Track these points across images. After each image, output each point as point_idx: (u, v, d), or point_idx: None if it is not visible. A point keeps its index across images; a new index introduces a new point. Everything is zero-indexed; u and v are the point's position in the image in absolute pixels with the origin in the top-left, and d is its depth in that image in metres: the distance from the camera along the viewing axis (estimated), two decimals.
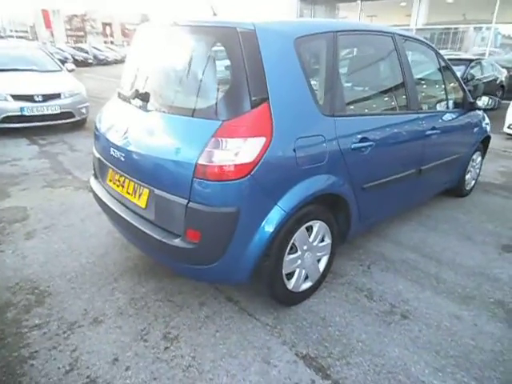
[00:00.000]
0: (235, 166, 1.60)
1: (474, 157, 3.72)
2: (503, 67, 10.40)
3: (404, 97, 2.52)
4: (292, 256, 1.95)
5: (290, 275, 2.00)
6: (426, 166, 2.81)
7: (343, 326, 1.98)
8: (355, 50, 2.46)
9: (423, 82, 3.00)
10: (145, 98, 1.99)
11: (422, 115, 2.64)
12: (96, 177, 2.44)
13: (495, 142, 5.67)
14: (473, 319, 2.07)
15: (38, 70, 6.30)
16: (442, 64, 3.11)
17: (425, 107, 2.77)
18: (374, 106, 2.39)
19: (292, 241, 1.90)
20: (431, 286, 2.38)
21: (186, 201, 1.68)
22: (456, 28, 14.12)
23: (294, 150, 1.75)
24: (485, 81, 9.11)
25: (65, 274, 2.36)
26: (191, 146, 1.69)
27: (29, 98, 5.54)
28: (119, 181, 2.08)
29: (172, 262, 1.86)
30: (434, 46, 3.03)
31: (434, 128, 2.75)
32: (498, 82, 9.85)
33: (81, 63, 22.14)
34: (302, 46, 1.84)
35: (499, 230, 3.18)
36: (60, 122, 5.91)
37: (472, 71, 8.63)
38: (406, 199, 2.91)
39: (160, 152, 1.78)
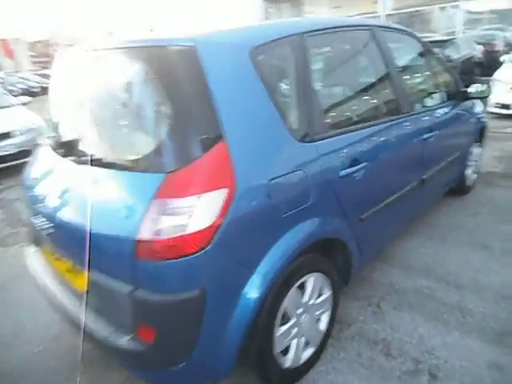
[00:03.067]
0: (189, 235, 1.16)
1: (473, 150, 3.36)
2: (478, 44, 10.20)
3: (393, 98, 2.11)
4: (284, 327, 1.51)
5: (285, 350, 1.57)
6: (428, 173, 2.41)
7: None
8: (329, 52, 2.05)
9: (411, 77, 2.61)
10: (69, 146, 1.54)
11: (415, 116, 2.24)
12: (33, 244, 1.97)
13: None
14: None
15: None
16: (428, 53, 2.73)
17: (417, 106, 2.37)
18: (361, 116, 1.97)
19: (282, 310, 1.47)
20: (457, 322, 1.97)
21: (131, 288, 1.23)
22: (422, 10, 13.95)
23: (269, 196, 1.32)
24: (462, 60, 8.86)
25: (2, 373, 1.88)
26: (128, 213, 1.24)
27: None
28: (53, 254, 1.63)
29: (125, 365, 1.41)
30: (415, 33, 2.64)
31: (430, 129, 2.35)
32: (475, 59, 9.62)
33: None
34: (261, 57, 1.41)
35: None
36: (18, 161, 5.37)
37: (448, 52, 8.36)
38: (411, 215, 2.51)
39: (91, 222, 1.33)
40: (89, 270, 1.34)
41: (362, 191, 1.78)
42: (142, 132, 1.33)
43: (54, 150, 1.62)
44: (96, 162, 1.39)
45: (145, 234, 1.17)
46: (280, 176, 1.37)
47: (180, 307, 1.20)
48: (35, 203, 1.63)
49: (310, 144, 1.52)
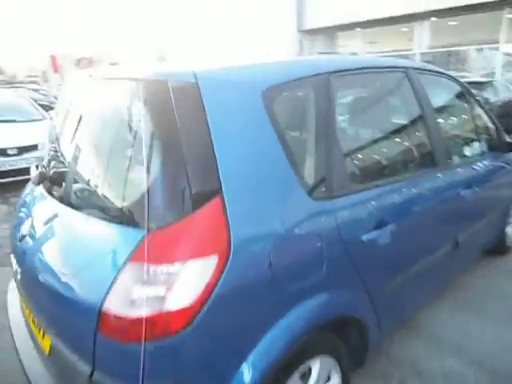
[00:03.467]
0: (166, 313, 0.93)
1: None
2: None
3: (428, 149, 1.85)
4: None
5: None
6: (464, 234, 2.10)
7: None
8: (356, 96, 1.83)
9: (448, 125, 2.35)
10: (53, 181, 1.37)
11: (453, 171, 1.97)
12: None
13: None
14: None
15: (17, 120, 5.87)
16: (468, 98, 2.47)
17: (455, 158, 2.10)
18: (389, 168, 1.73)
19: None
20: None
21: (90, 369, 1.00)
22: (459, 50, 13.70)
23: (270, 266, 1.08)
24: (500, 103, 8.46)
25: None
26: (97, 274, 1.03)
27: (1, 153, 5.05)
28: (24, 302, 1.43)
29: None
30: (454, 76, 2.40)
31: (469, 184, 2.06)
32: None
33: None
34: (276, 100, 1.21)
35: None
36: None
37: (485, 94, 8.01)
38: (442, 282, 2.19)
39: (57, 278, 1.13)
40: (51, 335, 1.13)
41: (387, 258, 1.51)
42: (127, 176, 1.14)
43: (42, 181, 1.46)
44: (76, 204, 1.21)
45: (111, 305, 0.95)
46: (286, 241, 1.13)
47: None
48: (13, 237, 1.47)
49: (326, 202, 1.28)
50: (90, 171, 1.27)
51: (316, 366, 1.31)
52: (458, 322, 2.28)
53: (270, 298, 1.09)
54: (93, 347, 0.99)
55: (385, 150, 1.78)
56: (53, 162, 1.46)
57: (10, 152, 5.09)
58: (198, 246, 0.98)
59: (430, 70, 2.13)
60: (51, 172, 1.40)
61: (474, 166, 2.22)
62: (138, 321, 0.92)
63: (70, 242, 1.18)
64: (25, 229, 1.41)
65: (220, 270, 0.98)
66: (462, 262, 2.31)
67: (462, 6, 9.94)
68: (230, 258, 1.00)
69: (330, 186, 1.31)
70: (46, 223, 1.31)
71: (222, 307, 0.99)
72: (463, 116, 2.49)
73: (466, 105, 2.43)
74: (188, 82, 1.06)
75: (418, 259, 1.73)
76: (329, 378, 1.42)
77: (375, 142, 1.77)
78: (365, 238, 1.37)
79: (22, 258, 1.29)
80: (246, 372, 1.04)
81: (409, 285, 1.72)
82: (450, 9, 10.18)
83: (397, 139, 1.86)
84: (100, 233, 1.11)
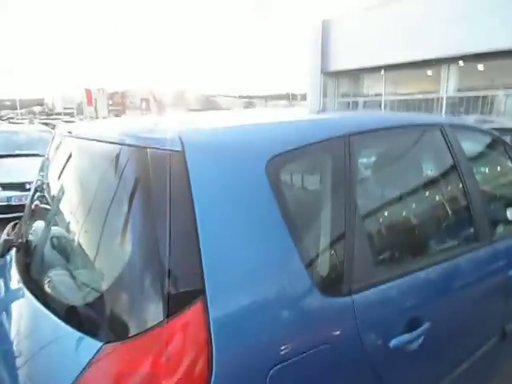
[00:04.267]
0: None
1: None
2: None
3: (470, 224, 1.56)
4: None
5: None
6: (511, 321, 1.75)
7: None
8: (383, 162, 1.58)
9: (491, 192, 2.05)
10: (20, 256, 1.17)
11: (498, 246, 1.66)
12: None
13: None
14: None
15: (38, 154, 5.95)
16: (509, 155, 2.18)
17: (499, 230, 1.79)
18: (424, 251, 1.44)
19: None
20: None
21: None
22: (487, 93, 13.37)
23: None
24: None
25: None
26: None
27: (19, 186, 5.05)
28: None
29: None
30: (497, 134, 2.12)
31: None
32: None
33: None
34: (283, 172, 0.99)
35: None
36: None
37: None
38: (483, 380, 1.81)
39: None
40: None
41: (420, 365, 1.20)
42: (91, 272, 0.91)
43: (7, 251, 1.26)
44: (47, 299, 0.99)
45: None
46: (289, 359, 0.86)
47: None
48: None
49: (344, 299, 1.01)
50: (54, 249, 1.07)
51: None
52: None
53: None
54: None
55: (418, 229, 1.49)
56: (24, 229, 1.27)
57: (27, 187, 5.09)
58: (168, 368, 0.73)
59: (467, 127, 1.87)
60: (21, 240, 1.21)
61: None
62: None
63: (31, 350, 0.94)
64: None
65: None
66: (508, 355, 1.92)
67: (489, 53, 9.76)
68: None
69: (349, 276, 1.04)
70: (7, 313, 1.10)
71: None
72: (508, 180, 2.19)
73: (510, 167, 2.14)
74: (172, 149, 0.85)
75: (458, 358, 1.40)
76: None
77: (405, 218, 1.49)
78: (393, 343, 1.08)
79: None
80: None
81: None
82: (479, 54, 10.01)
83: (432, 214, 1.57)
84: (60, 340, 0.88)
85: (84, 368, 0.74)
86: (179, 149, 0.85)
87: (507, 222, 1.95)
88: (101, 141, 1.01)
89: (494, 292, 1.59)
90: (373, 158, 1.51)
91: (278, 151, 0.98)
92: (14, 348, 0.98)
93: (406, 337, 1.11)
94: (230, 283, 0.83)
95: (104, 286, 0.81)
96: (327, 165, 1.11)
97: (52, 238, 1.09)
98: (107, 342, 0.76)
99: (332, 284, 1.01)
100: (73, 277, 0.94)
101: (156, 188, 0.81)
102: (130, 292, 0.78)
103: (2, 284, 1.22)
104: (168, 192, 0.81)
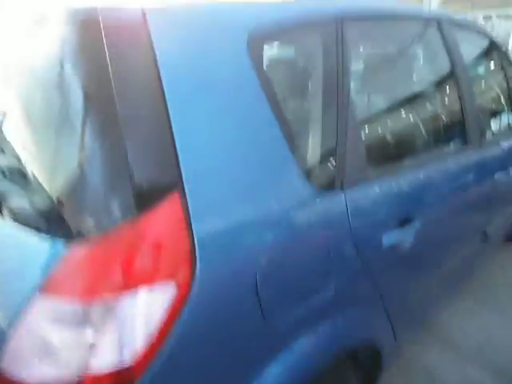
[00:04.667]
0: (91, 379, 0.60)
1: None
2: None
3: (463, 124, 1.47)
4: None
5: None
6: (493, 224, 1.78)
7: None
8: (378, 53, 1.42)
9: (484, 96, 1.95)
10: None
11: (487, 149, 1.61)
12: None
13: None
14: None
15: None
16: (505, 61, 2.06)
17: (489, 134, 1.73)
18: (417, 149, 1.36)
19: None
20: None
21: None
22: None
23: (256, 292, 0.75)
24: None
25: None
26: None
27: None
28: None
29: None
30: (488, 32, 1.97)
31: (504, 166, 1.71)
32: None
33: None
34: (267, 56, 0.84)
35: None
36: None
37: None
38: (464, 281, 1.88)
39: None
40: None
41: (411, 262, 1.19)
42: (46, 157, 0.77)
43: None
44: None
45: (8, 363, 0.62)
46: (278, 254, 0.79)
47: None
48: None
49: (336, 192, 0.93)
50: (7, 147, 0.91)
51: None
52: (477, 324, 1.99)
53: (253, 339, 0.76)
54: None
55: (410, 128, 1.39)
56: None
57: None
58: (142, 269, 0.64)
59: (464, 24, 1.71)
60: None
61: (508, 144, 1.85)
62: None
63: None
64: None
65: (177, 307, 0.65)
66: (487, 255, 1.99)
67: None
68: (194, 286, 0.67)
69: (342, 170, 0.95)
70: None
71: (178, 363, 0.66)
72: (499, 82, 2.09)
73: (501, 68, 2.03)
74: (131, 19, 0.68)
75: (445, 259, 1.41)
76: None
77: (398, 117, 1.38)
78: (385, 239, 1.03)
79: None
80: None
81: (431, 288, 1.41)
82: None
83: (425, 114, 1.47)
84: (12, 244, 0.77)
85: (47, 272, 0.64)
86: (141, 19, 0.67)
87: (497, 127, 1.89)
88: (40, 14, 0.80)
89: (481, 195, 1.58)
90: (367, 49, 1.36)
91: (262, 23, 0.81)
92: None
93: (397, 233, 1.07)
94: (209, 175, 0.72)
95: (66, 181, 0.69)
96: (318, 51, 0.96)
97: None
98: (70, 243, 0.65)
99: (323, 178, 0.92)
100: (31, 175, 0.80)
101: (113, 63, 0.65)
102: (95, 185, 0.66)
103: None
104: (129, 68, 0.66)
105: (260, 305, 0.75)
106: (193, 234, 0.67)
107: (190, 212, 0.68)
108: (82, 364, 0.59)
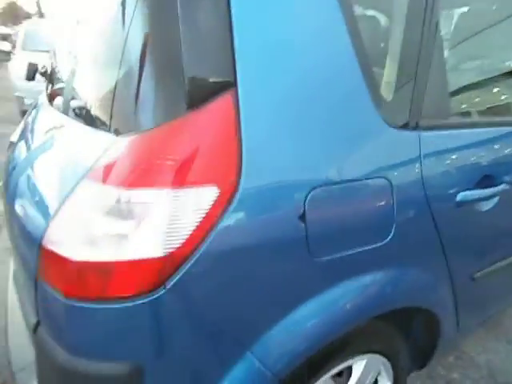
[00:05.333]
0: (127, 263, 0.59)
1: None
2: None
3: None
4: None
5: None
6: None
7: None
8: None
9: None
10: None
11: None
12: None
13: None
14: None
15: None
16: None
17: None
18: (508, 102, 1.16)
19: None
20: None
21: (35, 321, 0.73)
22: None
23: (303, 218, 0.68)
24: None
25: None
26: (48, 196, 0.73)
27: None
28: None
29: None
30: None
31: None
32: None
33: None
34: None
35: None
36: None
37: None
38: None
39: (21, 202, 0.86)
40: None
41: (489, 231, 1.03)
42: (105, 61, 0.76)
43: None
44: (67, 109, 0.89)
45: (52, 240, 0.64)
46: (336, 184, 0.71)
47: (84, 382, 0.65)
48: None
49: (410, 132, 0.82)
50: (72, 68, 0.94)
51: (359, 366, 0.93)
52: None
53: (297, 265, 0.70)
54: (34, 296, 0.70)
55: (507, 73, 1.18)
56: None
57: None
58: (185, 168, 0.60)
59: None
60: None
61: None
62: (85, 268, 0.60)
63: (47, 155, 0.88)
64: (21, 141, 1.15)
65: (218, 211, 0.61)
66: None
67: None
68: (238, 194, 0.62)
69: (419, 109, 0.83)
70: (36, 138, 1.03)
71: (217, 268, 0.63)
72: None
73: None
74: None
75: None
76: (376, 381, 1.05)
77: (494, 58, 1.15)
78: (461, 196, 0.89)
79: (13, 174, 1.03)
80: (252, 363, 0.69)
81: (507, 271, 1.22)
82: None
83: None
84: (72, 138, 0.80)
85: (91, 167, 0.64)
86: None
87: None
88: None
89: None
90: None
91: None
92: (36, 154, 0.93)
93: (477, 193, 0.92)
94: (269, 83, 0.66)
95: (121, 76, 0.68)
96: None
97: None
98: (119, 134, 0.65)
99: (399, 115, 0.81)
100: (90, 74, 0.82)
101: None
102: (148, 80, 0.64)
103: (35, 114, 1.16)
104: None
105: (306, 235, 0.69)
106: (241, 140, 0.62)
107: (242, 117, 0.63)
108: (120, 250, 0.59)
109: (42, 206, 0.73)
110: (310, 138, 0.69)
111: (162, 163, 0.60)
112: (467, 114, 0.98)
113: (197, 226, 0.60)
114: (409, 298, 0.88)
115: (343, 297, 0.76)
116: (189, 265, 0.60)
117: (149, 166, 0.60)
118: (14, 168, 1.01)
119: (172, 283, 0.60)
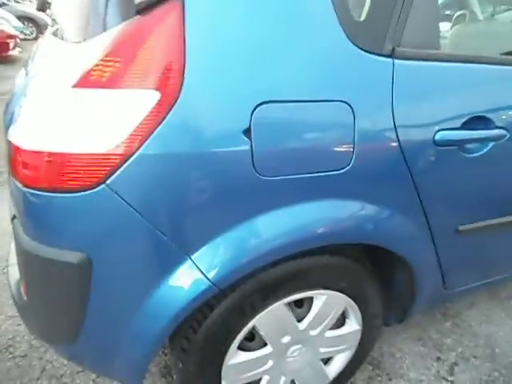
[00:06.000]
0: (75, 156, 0.65)
1: None
2: None
3: None
4: (248, 355, 0.94)
5: None
6: None
7: None
8: None
9: None
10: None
11: None
12: None
13: None
14: None
15: None
16: None
17: None
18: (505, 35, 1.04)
19: (247, 327, 0.88)
20: None
21: (13, 214, 0.83)
22: None
23: (248, 133, 0.69)
24: None
25: None
26: (25, 104, 0.79)
27: None
28: None
29: None
30: None
31: None
32: None
33: None
34: None
35: None
36: None
37: None
38: None
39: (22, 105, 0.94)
40: None
41: (478, 182, 0.96)
42: None
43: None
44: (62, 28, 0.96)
45: (14, 133, 0.71)
46: (288, 101, 0.71)
47: (45, 266, 0.73)
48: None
49: (381, 59, 0.77)
50: None
51: (319, 302, 0.94)
52: None
53: (241, 181, 0.71)
54: (10, 189, 0.80)
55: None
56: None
57: None
58: (126, 71, 0.63)
59: None
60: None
61: None
62: (36, 157, 0.66)
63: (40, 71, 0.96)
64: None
65: (158, 116, 0.64)
66: None
67: None
68: (179, 100, 0.64)
69: (398, 35, 0.78)
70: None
71: (156, 170, 0.66)
72: None
73: None
74: None
75: None
76: (344, 323, 1.06)
77: None
78: (440, 135, 0.84)
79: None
80: (192, 269, 0.73)
81: (504, 231, 1.13)
82: None
83: None
84: (50, 53, 0.86)
85: (59, 66, 0.69)
86: None
87: None
88: None
89: None
90: None
91: None
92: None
93: (462, 134, 0.86)
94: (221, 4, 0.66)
95: None
96: None
97: None
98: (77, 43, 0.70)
99: (370, 37, 0.76)
100: None
101: None
102: None
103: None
104: None
105: (252, 152, 0.69)
106: (185, 47, 0.64)
107: (187, 23, 0.64)
108: (67, 144, 0.64)
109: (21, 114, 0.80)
110: (263, 48, 0.68)
111: (104, 64, 0.63)
112: (459, 45, 0.90)
113: (136, 128, 0.64)
114: (365, 234, 0.86)
115: (291, 219, 0.76)
116: (128, 163, 0.64)
117: (93, 68, 0.64)
118: (11, 98, 1.10)
119: (111, 180, 0.65)
